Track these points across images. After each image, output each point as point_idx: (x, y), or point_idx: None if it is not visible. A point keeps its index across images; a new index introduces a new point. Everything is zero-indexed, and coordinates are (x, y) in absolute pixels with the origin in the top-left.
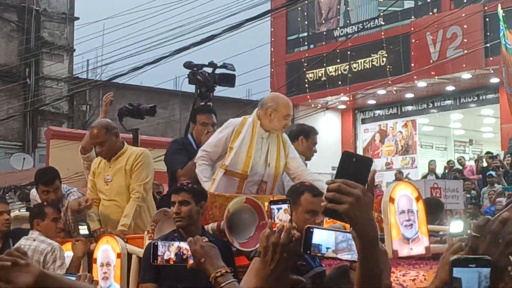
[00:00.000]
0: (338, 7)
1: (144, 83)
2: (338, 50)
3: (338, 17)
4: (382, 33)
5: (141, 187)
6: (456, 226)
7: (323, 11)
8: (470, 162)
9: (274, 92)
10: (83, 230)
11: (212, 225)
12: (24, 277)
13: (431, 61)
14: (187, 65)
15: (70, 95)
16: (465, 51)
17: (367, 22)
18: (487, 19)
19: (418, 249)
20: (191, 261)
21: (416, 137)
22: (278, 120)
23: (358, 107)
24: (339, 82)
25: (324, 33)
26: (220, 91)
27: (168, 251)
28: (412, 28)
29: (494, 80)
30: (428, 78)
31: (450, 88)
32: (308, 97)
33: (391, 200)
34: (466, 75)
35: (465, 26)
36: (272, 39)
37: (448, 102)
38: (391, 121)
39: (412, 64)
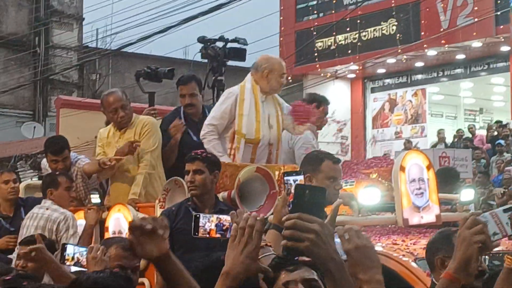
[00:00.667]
0: None
1: (153, 52)
2: (347, 19)
3: None
4: (392, 1)
5: (149, 155)
6: (467, 195)
7: None
8: (480, 131)
9: (264, 54)
10: (95, 198)
11: (222, 194)
12: (154, 248)
13: (441, 30)
14: (201, 39)
15: (80, 64)
16: (476, 19)
17: None
18: None
19: (428, 217)
20: (217, 235)
21: (426, 106)
22: (276, 79)
23: (367, 76)
24: (349, 51)
25: (334, 1)
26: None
27: (208, 222)
28: None
29: (505, 48)
30: (438, 46)
31: (461, 56)
32: (317, 66)
33: (402, 168)
34: (476, 44)
35: None
36: (281, 7)
37: (458, 70)
38: (401, 90)
39: (422, 33)
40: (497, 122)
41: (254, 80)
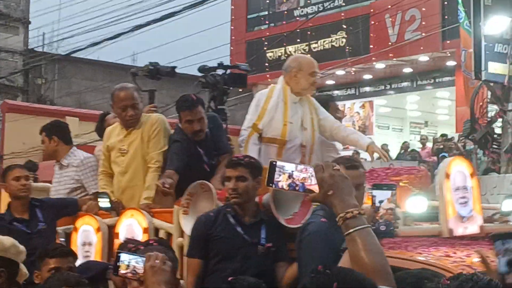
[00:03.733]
0: None
1: (101, 58)
2: (298, 30)
3: None
4: (342, 14)
5: (161, 155)
6: (509, 205)
7: None
8: (429, 144)
9: (295, 54)
10: (104, 202)
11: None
12: None
13: (390, 43)
14: (201, 69)
15: (26, 69)
16: (423, 34)
17: (327, 3)
18: (445, 3)
19: (472, 228)
20: (300, 191)
21: (373, 118)
22: (305, 78)
23: (317, 87)
24: None
25: (285, 12)
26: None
27: (282, 180)
28: (372, 10)
29: (451, 63)
30: (386, 60)
31: (408, 70)
32: (267, 76)
33: (447, 176)
34: (423, 58)
35: (424, 9)
36: (233, 17)
37: (405, 84)
38: (349, 101)
39: (371, 46)
40: (442, 135)
41: (285, 82)
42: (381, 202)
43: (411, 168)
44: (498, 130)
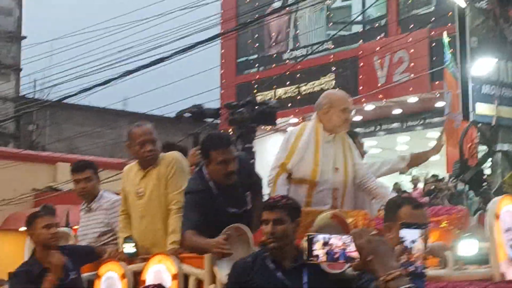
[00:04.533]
0: (288, 30)
1: (92, 103)
2: (287, 73)
3: (288, 40)
4: (331, 57)
5: (181, 196)
6: None
7: (272, 34)
8: (421, 185)
9: (328, 90)
10: (129, 248)
11: None
12: None
13: (379, 85)
14: (228, 105)
15: (17, 115)
16: (412, 75)
17: (316, 45)
18: (433, 44)
19: None
20: (341, 260)
21: (364, 159)
22: (337, 115)
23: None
24: (289, 104)
25: (274, 55)
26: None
27: (320, 248)
28: (360, 52)
29: (440, 104)
30: (376, 101)
31: (397, 111)
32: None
33: (496, 216)
34: (412, 99)
35: (412, 51)
36: (222, 61)
37: (395, 125)
38: None
39: (360, 87)
40: (433, 176)
41: (318, 119)
42: (414, 241)
43: (450, 208)
44: (488, 171)
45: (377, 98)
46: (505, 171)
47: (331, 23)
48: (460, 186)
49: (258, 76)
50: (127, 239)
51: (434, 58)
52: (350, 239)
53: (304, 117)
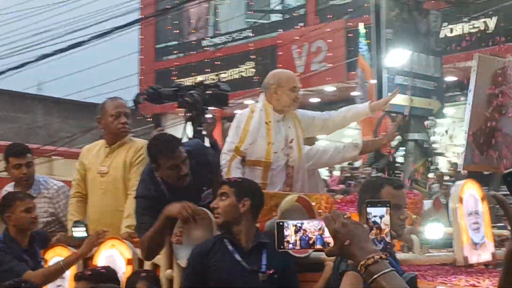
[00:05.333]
0: (208, 17)
1: (6, 87)
2: (207, 60)
3: (208, 27)
4: (250, 45)
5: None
6: None
7: (192, 21)
8: (336, 173)
9: (274, 70)
10: (80, 232)
11: None
12: None
13: (297, 74)
14: (178, 88)
15: None
16: (329, 65)
17: (235, 33)
18: (350, 35)
19: (485, 255)
20: (318, 246)
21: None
22: (286, 94)
23: (226, 117)
24: None
25: (194, 42)
26: (89, 97)
27: (292, 234)
28: (279, 41)
29: (356, 93)
30: None
31: (315, 100)
32: (176, 106)
33: (460, 200)
34: (330, 88)
35: (329, 41)
36: (141, 46)
37: None
38: None
39: None
40: (349, 164)
41: (266, 100)
42: (381, 217)
43: (407, 193)
44: (400, 159)
45: None
46: (417, 160)
47: (251, 11)
48: (374, 174)
49: (177, 62)
50: (78, 223)
51: (350, 49)
52: (323, 224)
53: None
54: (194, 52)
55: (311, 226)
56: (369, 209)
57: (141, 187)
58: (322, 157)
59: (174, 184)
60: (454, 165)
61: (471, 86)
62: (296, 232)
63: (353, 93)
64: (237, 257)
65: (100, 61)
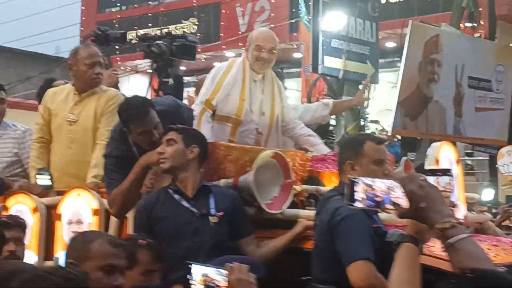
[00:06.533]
0: None
1: None
2: (149, 14)
3: None
4: (194, 1)
5: (108, 134)
6: (487, 194)
7: None
8: None
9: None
10: (45, 180)
11: (225, 181)
12: None
13: (240, 32)
14: (143, 37)
15: None
16: (272, 25)
17: None
18: None
19: (458, 217)
20: (387, 205)
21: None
22: (251, 52)
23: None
24: None
25: None
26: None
27: (360, 191)
28: None
29: (297, 55)
30: (237, 48)
31: None
32: (118, 59)
33: (436, 162)
34: None
35: (273, 1)
36: None
37: None
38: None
39: (222, 34)
40: None
41: (246, 56)
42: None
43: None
44: (332, 122)
45: (237, 45)
46: (348, 123)
47: None
48: None
49: (119, 15)
50: (42, 171)
51: (293, 10)
52: (395, 184)
53: None
54: (137, 6)
55: (382, 185)
56: (429, 178)
57: (112, 147)
58: (294, 129)
59: (145, 148)
60: (384, 130)
61: (404, 52)
62: (365, 190)
63: (295, 55)
64: (185, 203)
65: (41, 9)
